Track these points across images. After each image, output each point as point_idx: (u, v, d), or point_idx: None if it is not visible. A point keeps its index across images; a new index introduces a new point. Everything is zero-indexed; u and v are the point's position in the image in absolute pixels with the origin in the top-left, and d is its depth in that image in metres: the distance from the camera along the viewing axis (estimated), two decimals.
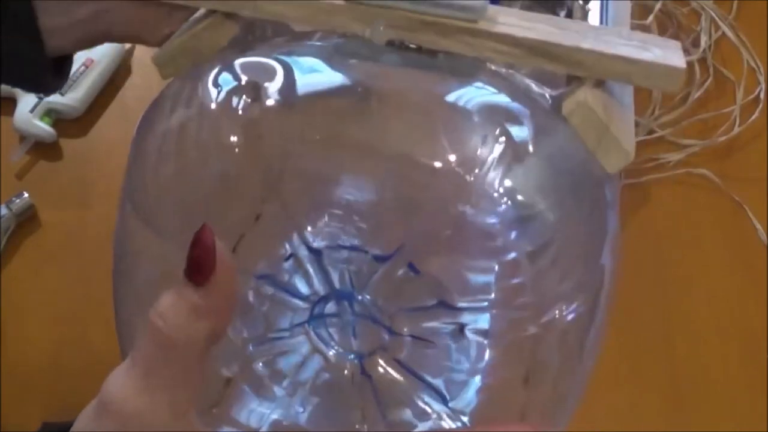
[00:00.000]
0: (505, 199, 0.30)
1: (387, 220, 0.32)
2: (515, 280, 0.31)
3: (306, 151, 0.32)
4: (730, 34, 0.83)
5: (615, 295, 0.37)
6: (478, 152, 0.30)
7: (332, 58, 0.34)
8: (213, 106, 0.33)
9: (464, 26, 0.31)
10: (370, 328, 0.34)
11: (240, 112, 0.32)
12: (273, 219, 0.34)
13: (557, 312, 0.33)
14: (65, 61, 0.47)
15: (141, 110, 0.83)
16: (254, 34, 0.38)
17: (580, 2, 0.35)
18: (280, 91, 0.33)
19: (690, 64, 0.82)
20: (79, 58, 0.77)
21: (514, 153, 0.31)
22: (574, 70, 0.32)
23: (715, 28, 0.84)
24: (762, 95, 0.81)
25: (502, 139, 0.30)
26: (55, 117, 0.77)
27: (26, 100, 0.76)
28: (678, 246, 0.75)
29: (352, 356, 0.35)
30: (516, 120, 0.32)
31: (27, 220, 0.73)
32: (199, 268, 0.28)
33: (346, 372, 0.35)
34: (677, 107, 0.80)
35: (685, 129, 0.79)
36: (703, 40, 0.82)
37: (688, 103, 0.80)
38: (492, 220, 0.30)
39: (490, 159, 0.30)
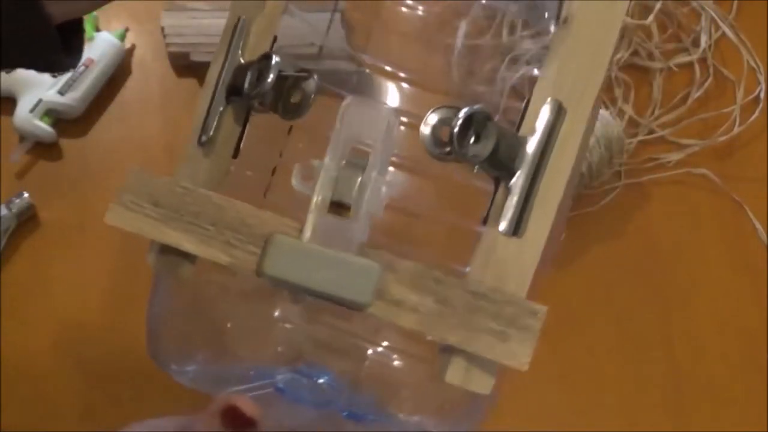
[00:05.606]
0: None
1: None
2: None
3: None
4: (730, 34, 0.83)
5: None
6: None
7: None
8: None
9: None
10: None
11: None
12: None
13: None
14: (75, 37, 0.46)
15: (141, 110, 0.83)
16: None
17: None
18: None
19: (690, 64, 0.82)
20: None
21: None
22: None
23: (715, 28, 0.84)
24: (762, 95, 0.81)
25: None
26: (55, 117, 0.77)
27: (26, 100, 0.76)
28: (678, 246, 0.75)
29: None
30: None
31: (27, 220, 0.73)
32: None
33: None
34: (677, 107, 0.80)
35: (685, 129, 0.79)
36: (703, 40, 0.82)
37: (688, 103, 0.80)
38: None
39: None
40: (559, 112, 0.38)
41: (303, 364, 0.45)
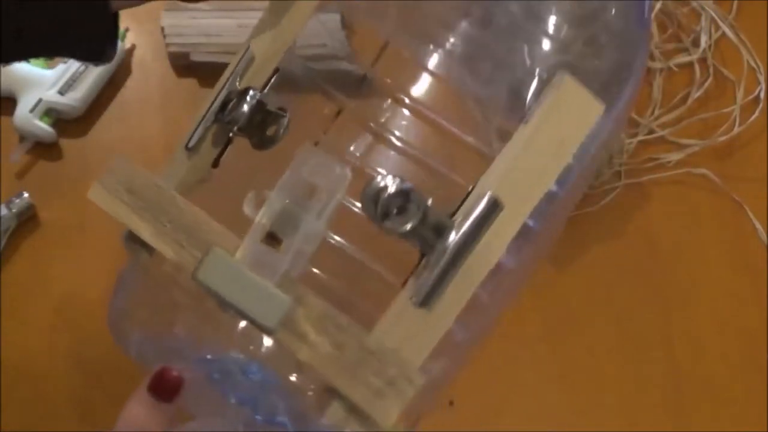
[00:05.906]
0: None
1: None
2: None
3: None
4: (730, 34, 0.83)
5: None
6: None
7: None
8: None
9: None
10: None
11: None
12: None
13: None
14: (114, 30, 0.48)
15: (141, 110, 0.83)
16: None
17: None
18: None
19: (690, 64, 0.82)
20: None
21: None
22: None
23: (715, 28, 0.84)
24: (762, 95, 0.81)
25: None
26: (55, 117, 0.77)
27: (26, 100, 0.76)
28: (678, 246, 0.75)
29: None
30: None
31: (27, 220, 0.73)
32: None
33: None
34: (677, 107, 0.80)
35: (685, 129, 0.79)
36: (703, 40, 0.82)
37: (688, 103, 0.80)
38: None
39: None
40: (494, 207, 0.38)
41: (248, 358, 0.46)
